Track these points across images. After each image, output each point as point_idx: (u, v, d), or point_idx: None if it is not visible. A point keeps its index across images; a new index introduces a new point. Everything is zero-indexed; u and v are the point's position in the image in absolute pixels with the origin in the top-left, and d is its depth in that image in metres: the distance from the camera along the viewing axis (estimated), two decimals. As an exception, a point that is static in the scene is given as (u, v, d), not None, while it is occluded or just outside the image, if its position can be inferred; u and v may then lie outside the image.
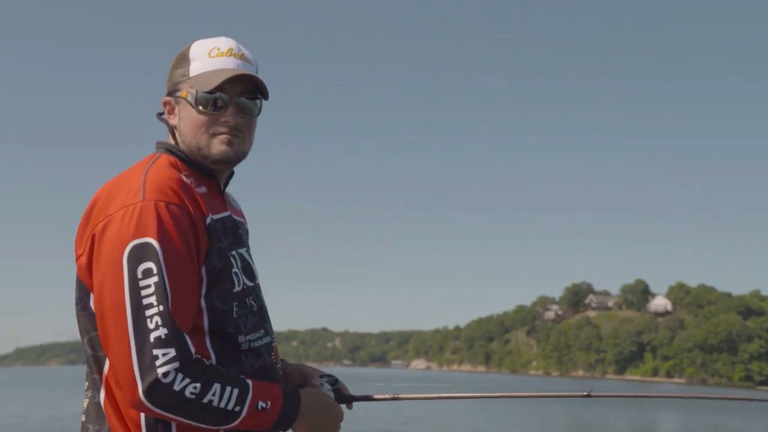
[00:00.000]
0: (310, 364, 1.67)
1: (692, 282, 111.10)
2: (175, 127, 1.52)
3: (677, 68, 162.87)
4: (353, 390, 1.67)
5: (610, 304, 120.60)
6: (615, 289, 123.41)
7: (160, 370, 1.26)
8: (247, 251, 1.56)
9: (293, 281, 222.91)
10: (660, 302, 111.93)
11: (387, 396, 1.63)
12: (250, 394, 1.34)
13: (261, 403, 1.35)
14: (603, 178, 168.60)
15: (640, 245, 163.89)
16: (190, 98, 1.48)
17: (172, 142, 1.54)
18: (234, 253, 1.48)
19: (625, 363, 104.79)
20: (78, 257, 1.41)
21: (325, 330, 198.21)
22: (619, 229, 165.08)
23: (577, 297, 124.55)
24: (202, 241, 1.40)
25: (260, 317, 1.51)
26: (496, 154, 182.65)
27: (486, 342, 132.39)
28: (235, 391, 1.32)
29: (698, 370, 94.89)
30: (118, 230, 1.34)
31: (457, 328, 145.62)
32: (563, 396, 1.60)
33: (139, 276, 1.31)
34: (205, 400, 1.29)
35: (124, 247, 1.33)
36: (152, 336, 1.28)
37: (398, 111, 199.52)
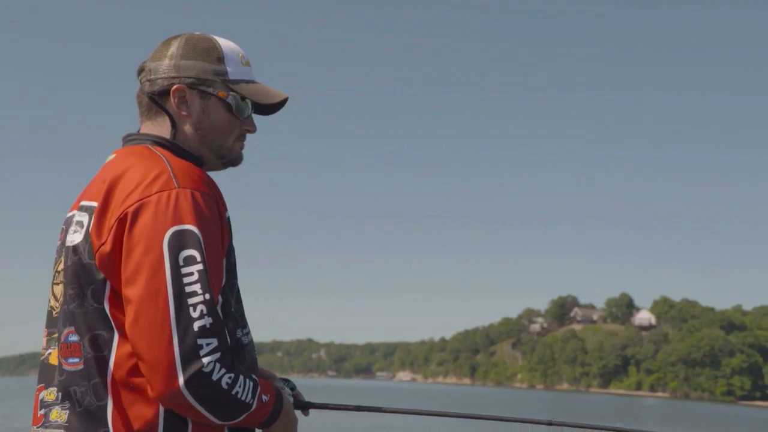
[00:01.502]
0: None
1: (676, 296, 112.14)
2: (186, 117, 1.47)
3: (670, 80, 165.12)
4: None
5: (595, 317, 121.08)
6: (600, 303, 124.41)
7: (205, 360, 1.23)
8: None
9: (278, 291, 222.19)
10: (644, 316, 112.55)
11: (345, 405, 1.59)
12: (258, 387, 1.34)
13: (264, 396, 1.35)
14: (589, 192, 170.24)
15: (625, 259, 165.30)
16: (230, 101, 1.48)
17: (163, 131, 1.47)
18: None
19: (609, 376, 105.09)
20: (98, 247, 1.33)
21: (310, 341, 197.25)
22: (604, 243, 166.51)
23: (563, 310, 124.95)
24: (226, 235, 1.39)
25: (243, 312, 1.49)
26: (483, 166, 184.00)
27: (471, 354, 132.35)
28: (251, 384, 1.32)
29: (681, 384, 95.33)
30: (155, 215, 1.29)
31: (443, 340, 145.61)
32: (525, 422, 1.63)
33: (181, 263, 1.27)
34: (234, 392, 1.27)
35: (164, 233, 1.28)
36: (196, 325, 1.24)
37: (391, 123, 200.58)
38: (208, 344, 1.24)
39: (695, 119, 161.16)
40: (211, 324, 1.25)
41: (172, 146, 1.45)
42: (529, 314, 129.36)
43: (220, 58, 1.48)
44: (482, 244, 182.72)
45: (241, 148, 1.53)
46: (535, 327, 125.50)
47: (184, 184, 1.33)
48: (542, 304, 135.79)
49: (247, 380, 1.31)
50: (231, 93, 1.47)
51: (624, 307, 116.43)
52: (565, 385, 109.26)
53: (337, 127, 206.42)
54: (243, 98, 1.49)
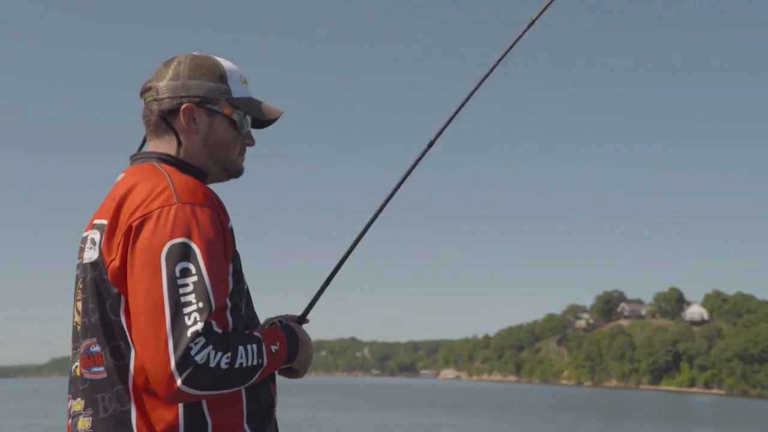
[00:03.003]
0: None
1: (728, 290, 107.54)
2: (194, 134, 1.56)
3: (715, 74, 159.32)
4: None
5: (643, 312, 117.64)
6: (648, 298, 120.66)
7: (198, 357, 1.31)
8: None
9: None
10: (696, 311, 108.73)
11: (318, 292, 1.79)
12: (264, 343, 1.43)
13: (273, 347, 1.44)
14: (636, 186, 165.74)
15: (672, 252, 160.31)
16: (236, 118, 1.58)
17: (169, 148, 1.56)
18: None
19: (660, 373, 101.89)
20: (109, 263, 1.43)
21: (353, 339, 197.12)
22: (651, 236, 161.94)
23: (609, 305, 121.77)
24: (228, 244, 1.47)
25: (253, 313, 1.58)
26: (525, 161, 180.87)
27: (516, 351, 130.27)
28: (254, 347, 1.40)
29: (738, 380, 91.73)
30: (154, 230, 1.38)
31: (487, 337, 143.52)
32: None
33: (178, 275, 1.35)
34: (237, 365, 1.36)
35: (162, 246, 1.37)
36: (189, 331, 1.32)
37: (424, 117, 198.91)
38: (196, 343, 1.32)
39: (745, 113, 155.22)
40: (202, 328, 1.33)
41: (177, 162, 1.54)
42: (575, 310, 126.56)
43: (223, 77, 1.58)
44: (526, 239, 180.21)
45: (244, 160, 1.64)
46: (581, 323, 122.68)
47: (183, 199, 1.41)
48: (588, 300, 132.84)
49: (249, 346, 1.39)
50: (236, 110, 1.58)
51: (673, 302, 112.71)
52: (614, 382, 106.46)
53: (372, 123, 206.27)
54: (245, 114, 1.59)
